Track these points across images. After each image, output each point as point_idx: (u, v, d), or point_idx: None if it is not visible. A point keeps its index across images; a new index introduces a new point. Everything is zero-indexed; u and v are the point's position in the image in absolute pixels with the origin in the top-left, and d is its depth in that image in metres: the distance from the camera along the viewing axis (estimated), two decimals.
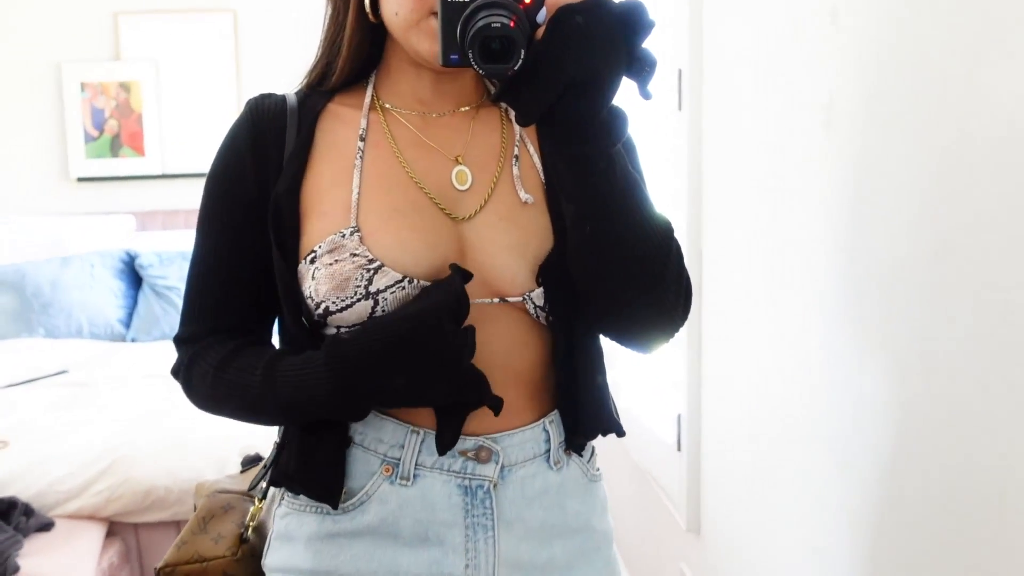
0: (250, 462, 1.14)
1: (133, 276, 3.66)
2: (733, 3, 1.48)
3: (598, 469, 1.00)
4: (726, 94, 1.53)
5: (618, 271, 0.85)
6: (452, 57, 0.78)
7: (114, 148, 4.11)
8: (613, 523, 1.04)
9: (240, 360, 0.90)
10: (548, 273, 0.89)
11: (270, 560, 0.95)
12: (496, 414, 0.85)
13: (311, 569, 0.91)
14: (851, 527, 1.09)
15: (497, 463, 0.90)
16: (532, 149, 0.96)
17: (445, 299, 0.83)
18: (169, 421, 2.42)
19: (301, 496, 0.92)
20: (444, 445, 0.87)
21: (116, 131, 4.10)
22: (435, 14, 0.81)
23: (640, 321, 0.90)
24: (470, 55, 0.74)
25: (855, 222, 1.08)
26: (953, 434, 0.87)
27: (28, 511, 2.04)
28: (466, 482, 0.90)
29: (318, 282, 0.86)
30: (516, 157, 0.94)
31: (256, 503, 1.00)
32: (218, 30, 4.09)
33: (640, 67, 0.77)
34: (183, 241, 3.80)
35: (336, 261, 0.86)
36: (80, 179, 4.09)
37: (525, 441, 0.92)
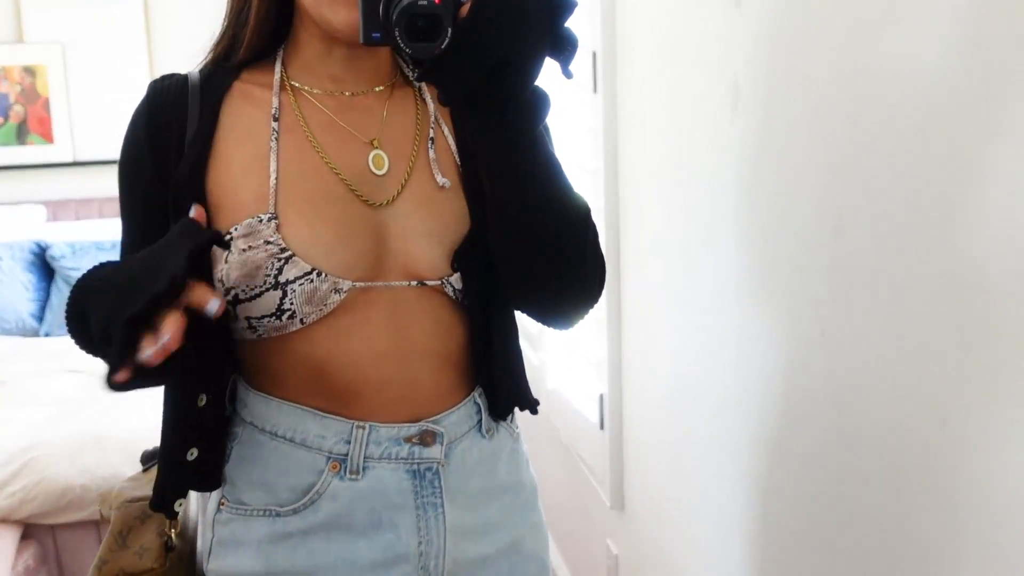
0: (150, 458, 1.09)
1: (45, 268, 3.54)
2: None
3: (518, 428, 1.03)
4: (639, 76, 1.54)
5: (536, 250, 0.86)
6: (374, 35, 0.75)
7: (20, 135, 3.95)
8: (535, 476, 1.07)
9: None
10: (464, 257, 0.90)
11: (215, 566, 0.92)
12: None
13: (264, 571, 0.90)
14: (763, 499, 1.13)
15: (442, 444, 0.92)
16: (447, 131, 0.95)
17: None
18: (84, 417, 2.36)
19: (245, 501, 0.90)
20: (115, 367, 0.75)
21: (22, 117, 3.94)
22: None
23: (558, 298, 0.91)
24: (396, 33, 0.72)
25: (761, 202, 1.11)
26: (856, 403, 0.91)
27: None
28: (414, 467, 0.91)
29: (230, 267, 0.84)
30: (432, 140, 0.93)
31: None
32: (128, 10, 3.96)
33: (563, 47, 0.77)
34: (97, 231, 3.70)
35: (250, 247, 0.84)
36: None
37: (461, 418, 0.94)
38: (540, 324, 0.98)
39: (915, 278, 0.80)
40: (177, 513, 0.93)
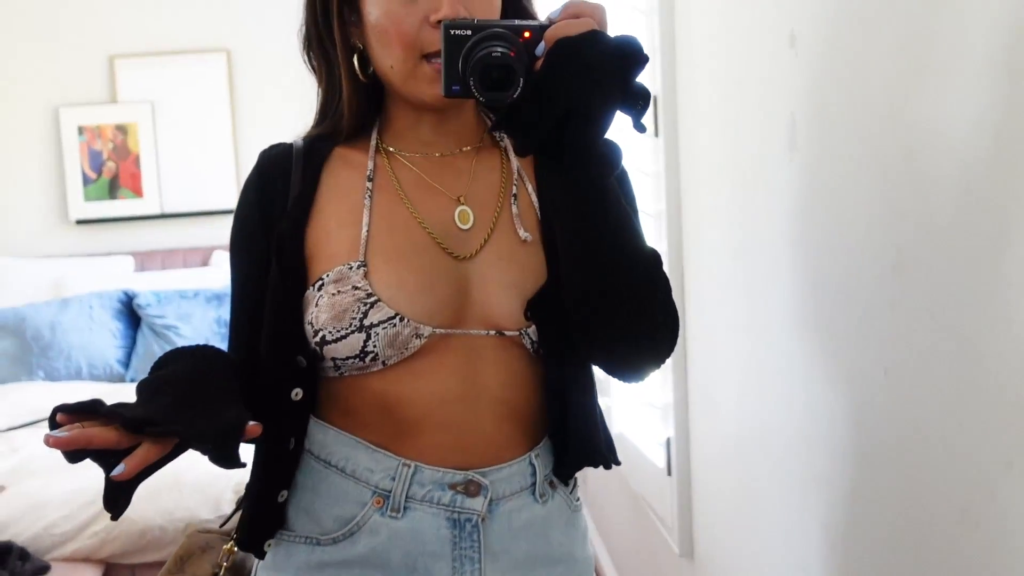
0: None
1: (131, 316, 3.68)
2: (702, 31, 1.50)
3: (579, 499, 1.02)
4: (699, 119, 1.55)
5: (606, 299, 0.88)
6: (454, 88, 0.81)
7: (112, 190, 4.15)
8: (594, 550, 1.06)
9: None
10: (539, 308, 0.92)
11: None
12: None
13: None
14: (833, 544, 1.11)
15: (486, 497, 0.92)
16: (530, 187, 0.98)
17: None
18: None
19: (290, 527, 0.94)
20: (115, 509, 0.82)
21: (114, 173, 4.14)
22: (425, 57, 0.89)
23: (628, 350, 0.92)
24: (471, 83, 0.78)
25: (820, 241, 1.10)
26: (920, 444, 0.88)
27: (24, 555, 2.06)
28: (455, 515, 0.92)
29: (320, 309, 0.89)
30: (515, 196, 0.97)
31: (228, 545, 1.00)
32: (212, 70, 4.15)
33: (635, 100, 0.79)
34: (181, 280, 3.83)
35: (339, 292, 0.89)
36: (79, 221, 4.14)
37: (512, 475, 0.94)
38: (610, 376, 0.97)
39: (977, 316, 0.78)
40: (266, 553, 0.95)
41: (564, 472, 0.97)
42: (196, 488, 2.27)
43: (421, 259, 0.92)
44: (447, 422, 0.92)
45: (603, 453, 0.99)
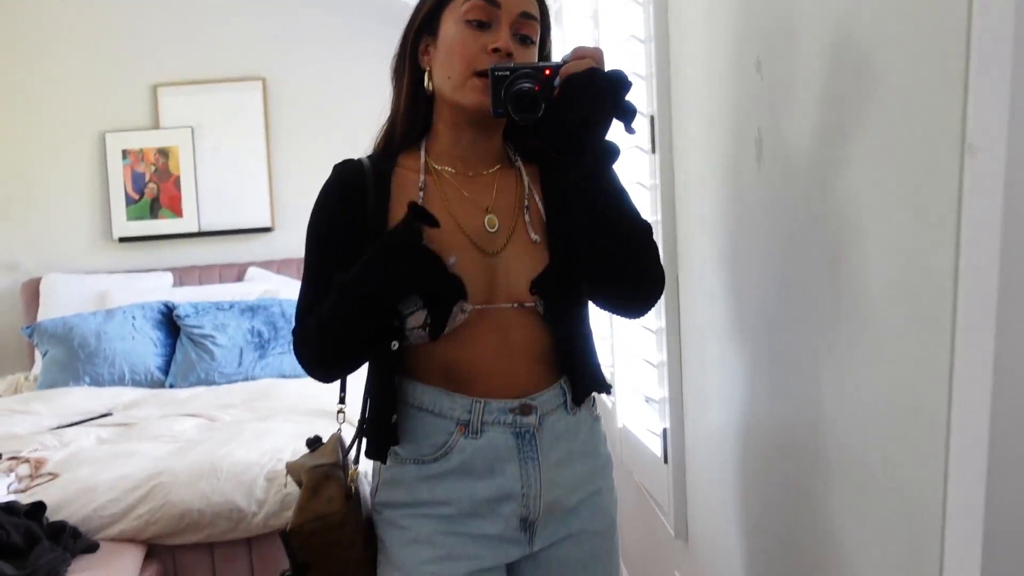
0: (314, 442, 1.42)
1: (171, 326, 3.86)
2: (690, 58, 1.65)
3: (598, 414, 1.36)
4: (690, 137, 1.69)
5: (613, 256, 1.18)
6: (499, 111, 1.16)
7: (153, 210, 4.35)
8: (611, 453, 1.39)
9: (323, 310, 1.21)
10: (540, 285, 1.25)
11: (380, 498, 1.29)
12: (462, 293, 1.20)
13: (414, 501, 1.25)
14: (815, 524, 1.17)
15: (536, 415, 1.25)
16: (538, 199, 1.30)
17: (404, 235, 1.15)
18: (201, 451, 2.60)
19: (400, 454, 1.25)
20: (436, 333, 1.20)
21: (155, 194, 4.35)
22: (477, 75, 1.19)
23: (630, 293, 1.24)
24: (509, 108, 1.14)
25: (783, 246, 1.21)
26: (909, 427, 0.91)
27: (75, 534, 2.21)
28: (517, 430, 1.24)
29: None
30: (527, 207, 1.29)
31: (352, 470, 1.31)
32: (249, 97, 4.35)
33: (624, 112, 1.15)
34: (217, 293, 4.03)
35: None
36: (121, 239, 4.35)
37: (551, 398, 1.27)
38: (616, 316, 1.32)
39: (919, 293, 0.87)
40: (387, 458, 1.26)
41: (579, 396, 1.29)
42: (231, 475, 2.41)
43: (462, 255, 1.22)
44: (495, 370, 1.24)
45: (600, 383, 1.33)
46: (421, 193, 1.25)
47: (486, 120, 1.23)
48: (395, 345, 1.21)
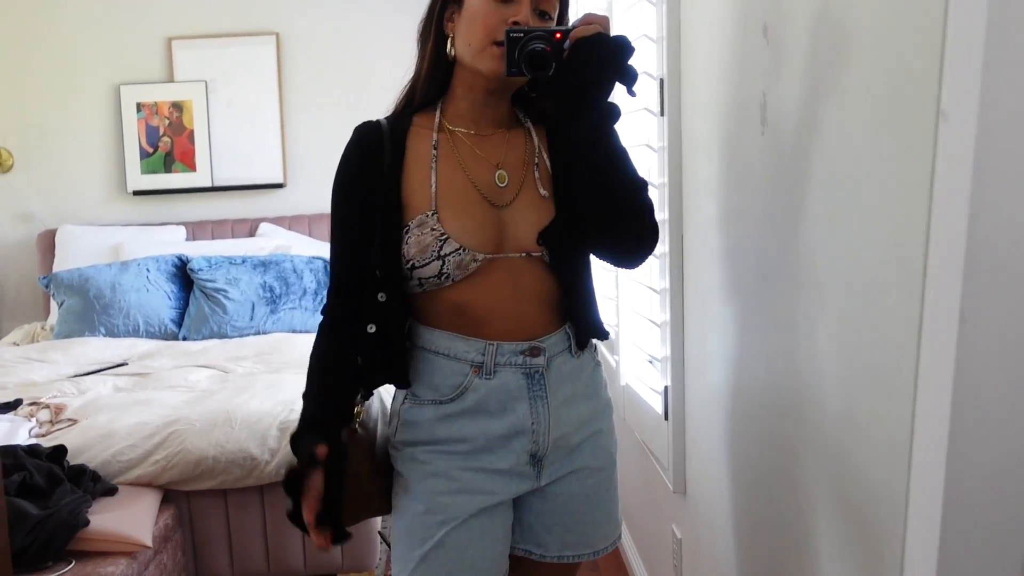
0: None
1: (184, 279, 3.91)
2: (700, 22, 1.67)
3: (599, 360, 1.46)
4: (697, 100, 1.71)
5: (614, 208, 1.27)
6: (512, 70, 1.23)
7: (167, 164, 4.38)
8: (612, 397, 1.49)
9: (324, 362, 1.36)
10: (546, 236, 1.32)
11: (400, 437, 1.37)
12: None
13: (432, 439, 1.34)
14: (811, 477, 1.20)
15: (544, 356, 1.34)
16: (546, 157, 1.37)
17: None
18: (216, 401, 2.66)
19: (418, 395, 1.34)
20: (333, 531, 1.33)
21: (169, 148, 4.37)
22: (496, 43, 1.26)
23: (624, 244, 1.32)
24: (523, 66, 1.22)
25: (785, 209, 1.23)
26: (898, 397, 0.93)
27: (95, 477, 2.28)
28: (527, 370, 1.33)
29: (409, 246, 1.29)
30: (536, 164, 1.36)
31: (359, 408, 1.40)
32: (263, 52, 4.36)
33: (626, 75, 1.23)
34: (230, 248, 4.07)
35: (422, 232, 1.28)
36: (136, 192, 4.39)
37: (557, 341, 1.36)
38: (613, 265, 1.41)
39: (899, 252, 0.94)
40: (407, 400, 1.36)
41: (582, 341, 1.39)
42: (245, 424, 2.47)
43: (474, 208, 1.30)
44: (506, 313, 1.32)
45: (600, 330, 1.42)
46: (435, 151, 1.32)
47: (500, 85, 1.32)
48: (382, 297, 1.30)
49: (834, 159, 1.06)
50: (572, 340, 1.38)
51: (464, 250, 1.28)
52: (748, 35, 1.36)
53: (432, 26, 1.35)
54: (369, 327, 1.32)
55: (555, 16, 1.32)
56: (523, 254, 1.33)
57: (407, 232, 1.29)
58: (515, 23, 1.25)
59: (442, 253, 1.28)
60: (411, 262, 1.29)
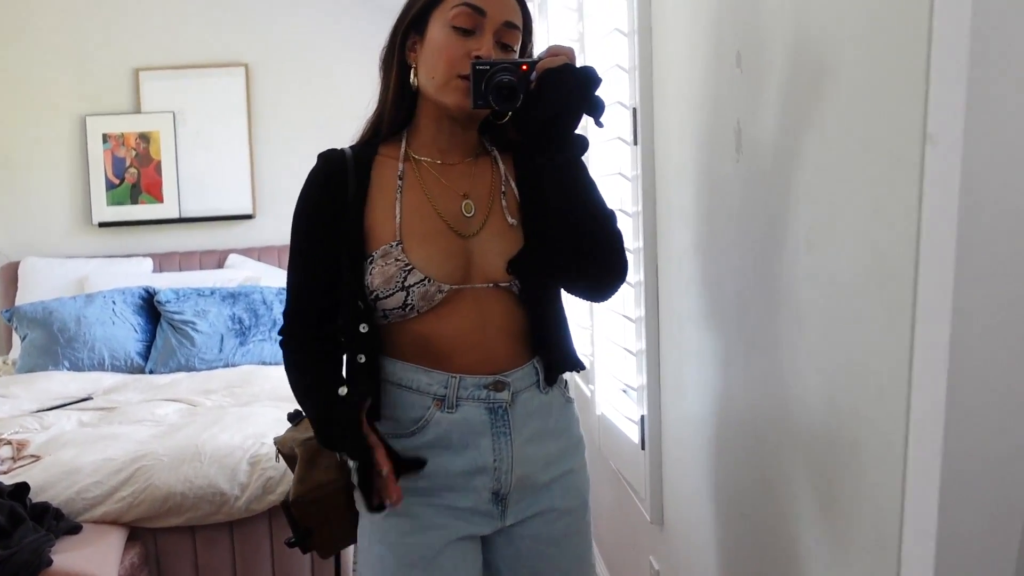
0: (295, 416, 1.53)
1: (151, 312, 3.85)
2: (672, 51, 1.68)
3: (571, 396, 1.42)
4: (670, 128, 1.72)
5: (582, 238, 1.25)
6: (479, 102, 1.22)
7: (134, 195, 4.32)
8: (584, 435, 1.45)
9: (305, 369, 1.34)
10: (515, 265, 1.30)
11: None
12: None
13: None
14: (793, 509, 1.19)
15: (509, 391, 1.31)
16: (513, 185, 1.35)
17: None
18: (184, 435, 2.60)
19: (380, 428, 1.28)
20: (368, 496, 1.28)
21: (136, 179, 4.31)
22: (461, 77, 1.25)
23: (595, 278, 1.31)
24: (490, 98, 1.21)
25: (760, 238, 1.24)
26: (873, 411, 0.94)
27: (59, 515, 2.21)
28: (491, 405, 1.30)
29: (373, 276, 1.26)
30: (503, 192, 1.34)
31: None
32: (231, 83, 4.33)
33: (593, 106, 1.22)
34: (198, 279, 4.02)
35: (386, 263, 1.26)
36: (101, 224, 4.32)
37: (524, 375, 1.33)
38: (583, 299, 1.38)
39: (884, 278, 0.92)
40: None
41: (551, 376, 1.36)
42: (215, 459, 2.42)
43: (440, 238, 1.28)
44: (471, 346, 1.29)
45: (573, 362, 1.38)
46: (400, 181, 1.30)
47: (466, 116, 1.31)
48: (364, 327, 1.28)
49: (811, 185, 1.07)
50: (541, 375, 1.35)
51: (429, 281, 1.26)
52: (721, 64, 1.37)
53: (395, 55, 1.33)
54: (359, 357, 1.29)
55: (517, 49, 1.31)
56: (490, 284, 1.30)
57: (371, 263, 1.26)
58: (478, 56, 1.24)
59: (406, 284, 1.25)
60: (375, 293, 1.26)
